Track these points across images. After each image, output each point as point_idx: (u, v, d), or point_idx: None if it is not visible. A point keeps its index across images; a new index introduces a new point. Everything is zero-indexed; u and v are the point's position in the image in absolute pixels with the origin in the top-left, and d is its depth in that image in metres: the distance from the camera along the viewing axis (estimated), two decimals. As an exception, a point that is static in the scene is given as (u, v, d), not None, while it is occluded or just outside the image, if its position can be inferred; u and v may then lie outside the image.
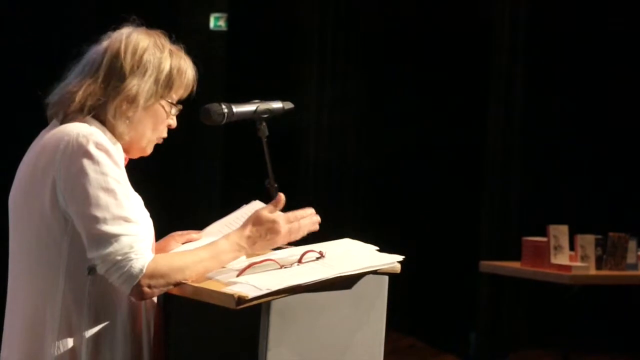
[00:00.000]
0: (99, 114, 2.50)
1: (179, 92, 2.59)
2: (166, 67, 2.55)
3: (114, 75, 2.51)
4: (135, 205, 2.48)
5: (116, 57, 2.52)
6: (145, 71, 2.52)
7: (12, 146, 2.85)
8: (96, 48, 2.56)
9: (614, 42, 7.99)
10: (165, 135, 2.62)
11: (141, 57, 2.53)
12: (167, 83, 2.55)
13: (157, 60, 2.54)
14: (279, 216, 2.55)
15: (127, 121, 2.52)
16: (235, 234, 2.53)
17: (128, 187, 2.47)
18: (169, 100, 2.57)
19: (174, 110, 2.60)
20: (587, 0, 8.05)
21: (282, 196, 2.60)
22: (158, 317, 2.56)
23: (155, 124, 2.57)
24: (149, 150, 2.61)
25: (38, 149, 2.50)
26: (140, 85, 2.51)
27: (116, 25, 2.60)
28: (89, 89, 2.50)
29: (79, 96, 2.49)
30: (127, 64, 2.51)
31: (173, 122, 2.62)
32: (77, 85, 2.51)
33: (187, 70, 2.59)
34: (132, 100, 2.51)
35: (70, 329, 2.43)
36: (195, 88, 2.63)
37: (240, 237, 2.52)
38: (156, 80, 2.53)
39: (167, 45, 2.58)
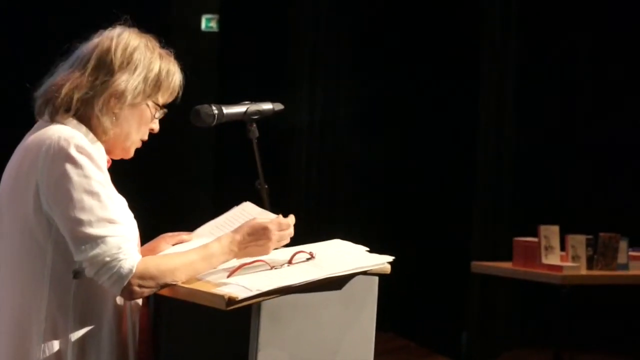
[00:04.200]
0: (85, 110, 2.50)
1: (165, 95, 2.59)
2: (155, 67, 2.56)
3: (103, 69, 2.51)
4: (120, 206, 2.48)
5: (106, 52, 2.53)
6: (135, 68, 2.53)
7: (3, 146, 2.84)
8: (86, 44, 2.57)
9: (608, 41, 8.00)
10: (146, 138, 2.61)
11: (132, 54, 2.54)
12: (156, 83, 2.56)
13: (147, 60, 2.55)
14: (272, 223, 2.54)
15: (114, 117, 2.52)
16: (227, 237, 2.53)
17: (111, 189, 2.48)
18: (155, 102, 2.58)
19: (158, 114, 2.60)
20: None
21: (292, 218, 2.58)
22: (144, 318, 2.56)
23: (139, 124, 2.57)
24: (131, 152, 2.61)
25: (22, 152, 2.50)
26: (129, 82, 2.52)
27: (108, 24, 2.61)
28: (76, 82, 2.50)
29: (65, 88, 2.49)
30: (117, 59, 2.52)
31: (156, 126, 2.62)
32: (65, 78, 2.52)
33: (175, 74, 2.60)
34: (120, 96, 2.51)
35: (55, 332, 2.43)
36: (180, 94, 2.63)
37: (232, 241, 2.52)
38: (145, 79, 2.54)
39: (157, 48, 2.60)
